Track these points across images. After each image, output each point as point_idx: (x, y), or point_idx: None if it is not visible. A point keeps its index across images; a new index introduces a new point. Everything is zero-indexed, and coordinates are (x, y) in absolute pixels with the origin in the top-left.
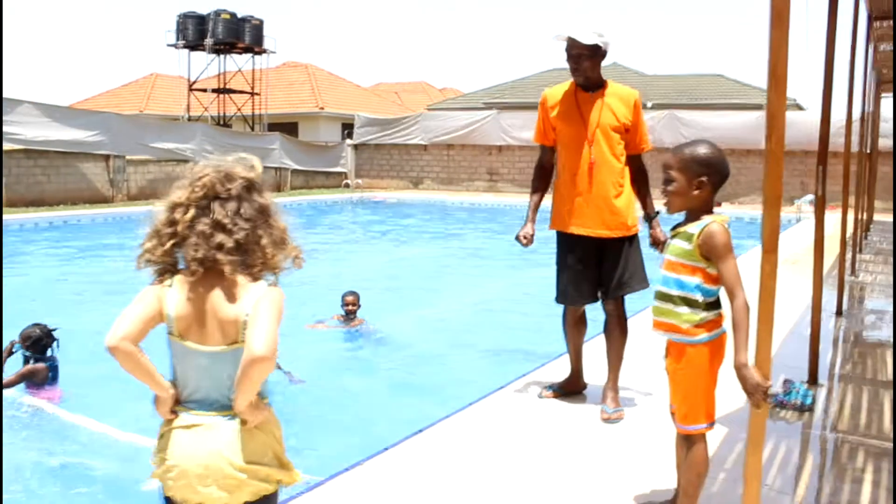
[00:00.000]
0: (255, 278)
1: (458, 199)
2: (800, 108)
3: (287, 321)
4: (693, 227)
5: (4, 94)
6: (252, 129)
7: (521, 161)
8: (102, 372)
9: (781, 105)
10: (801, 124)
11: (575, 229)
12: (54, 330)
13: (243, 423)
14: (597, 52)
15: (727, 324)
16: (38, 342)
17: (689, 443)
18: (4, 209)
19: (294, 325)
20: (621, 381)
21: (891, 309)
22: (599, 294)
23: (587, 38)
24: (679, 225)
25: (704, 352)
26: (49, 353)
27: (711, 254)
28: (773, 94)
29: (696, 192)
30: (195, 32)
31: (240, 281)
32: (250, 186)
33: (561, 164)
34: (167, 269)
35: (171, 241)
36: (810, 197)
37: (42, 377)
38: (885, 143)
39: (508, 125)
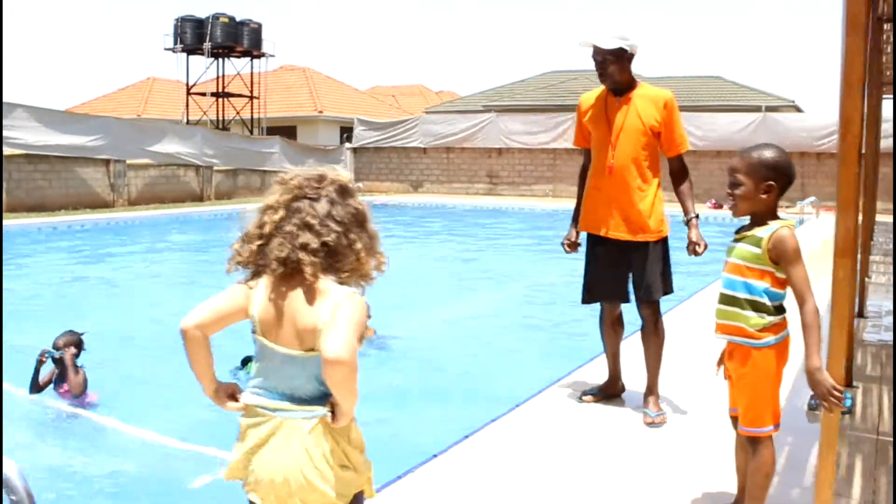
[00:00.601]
0: (342, 283)
1: (459, 202)
2: (798, 109)
3: None
4: (762, 232)
5: (4, 99)
6: (251, 132)
7: (520, 164)
8: (122, 374)
9: (856, 110)
10: (797, 126)
11: (598, 231)
12: (83, 334)
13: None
14: (622, 56)
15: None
16: (80, 348)
17: (755, 445)
18: (5, 215)
19: None
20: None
21: None
22: (634, 298)
23: (610, 44)
24: (743, 228)
25: (771, 355)
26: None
27: (781, 258)
28: (847, 100)
29: (763, 196)
30: (193, 36)
31: (322, 287)
32: (343, 190)
33: (591, 166)
34: (257, 271)
35: (259, 243)
36: (812, 199)
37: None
38: (885, 143)
39: (508, 128)
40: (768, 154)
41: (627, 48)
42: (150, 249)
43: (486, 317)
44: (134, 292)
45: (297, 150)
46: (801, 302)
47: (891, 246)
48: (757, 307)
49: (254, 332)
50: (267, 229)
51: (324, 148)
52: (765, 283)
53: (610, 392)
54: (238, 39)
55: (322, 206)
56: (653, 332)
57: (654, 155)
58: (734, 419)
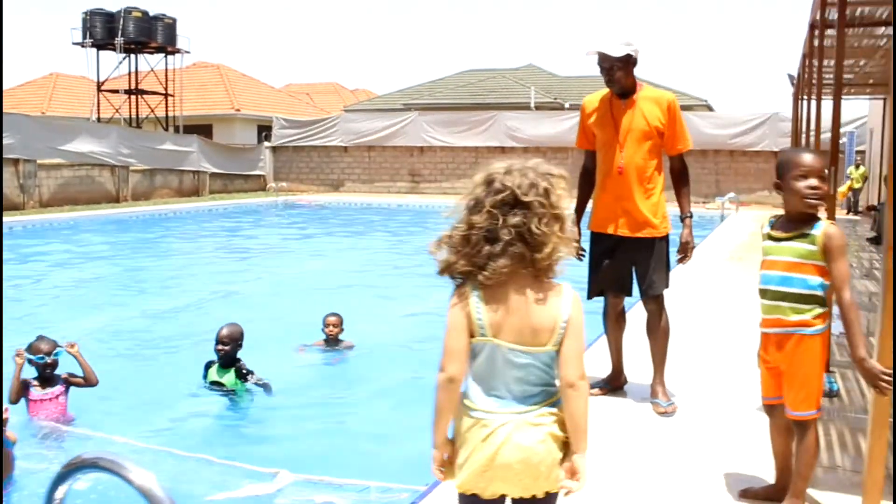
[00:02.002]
0: (549, 279)
1: (382, 201)
2: (709, 108)
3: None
4: (814, 230)
5: None
6: (166, 131)
7: (441, 162)
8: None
9: None
10: (711, 125)
11: (604, 229)
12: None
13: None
14: (628, 62)
15: None
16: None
17: (803, 428)
18: None
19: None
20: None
21: None
22: (639, 293)
23: (618, 51)
24: (779, 227)
25: (818, 342)
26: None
27: (829, 253)
28: None
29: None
30: (104, 31)
31: (544, 286)
32: (549, 193)
33: (597, 168)
34: (470, 275)
35: (472, 247)
36: (731, 195)
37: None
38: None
39: (429, 126)
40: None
41: (633, 54)
42: (69, 253)
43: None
44: (54, 299)
45: (215, 149)
46: (841, 294)
47: None
48: (812, 300)
49: (479, 336)
50: (478, 232)
51: (242, 147)
52: (820, 277)
53: (615, 384)
54: (152, 35)
55: (534, 212)
56: (658, 326)
57: (659, 155)
58: (769, 407)
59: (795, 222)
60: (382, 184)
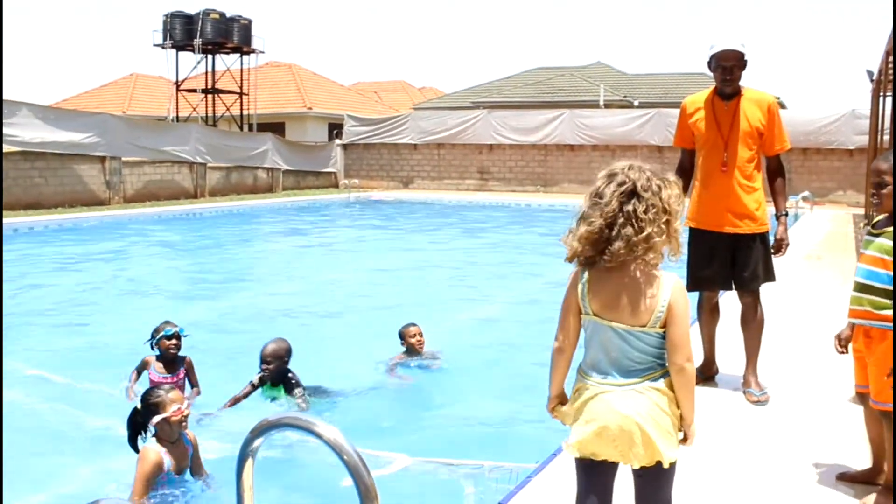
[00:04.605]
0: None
1: (452, 198)
2: (783, 106)
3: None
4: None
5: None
6: (241, 129)
7: (510, 160)
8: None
9: None
10: (784, 123)
11: (706, 225)
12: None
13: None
14: (744, 63)
15: None
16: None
17: (889, 418)
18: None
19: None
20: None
21: None
22: (734, 286)
23: (741, 50)
24: (879, 224)
25: None
26: None
27: None
28: None
29: None
30: (183, 32)
31: (648, 273)
32: (661, 189)
33: (698, 165)
34: (589, 261)
35: (595, 234)
36: (805, 193)
37: None
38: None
39: (499, 124)
40: None
41: (747, 56)
42: (162, 244)
43: (531, 310)
44: (134, 291)
45: (288, 147)
46: None
47: None
48: (892, 295)
49: (586, 313)
50: (599, 220)
51: (314, 144)
52: None
53: (707, 374)
54: (228, 35)
55: (649, 204)
56: (753, 318)
57: (759, 154)
58: (861, 395)
59: (889, 220)
60: (451, 181)
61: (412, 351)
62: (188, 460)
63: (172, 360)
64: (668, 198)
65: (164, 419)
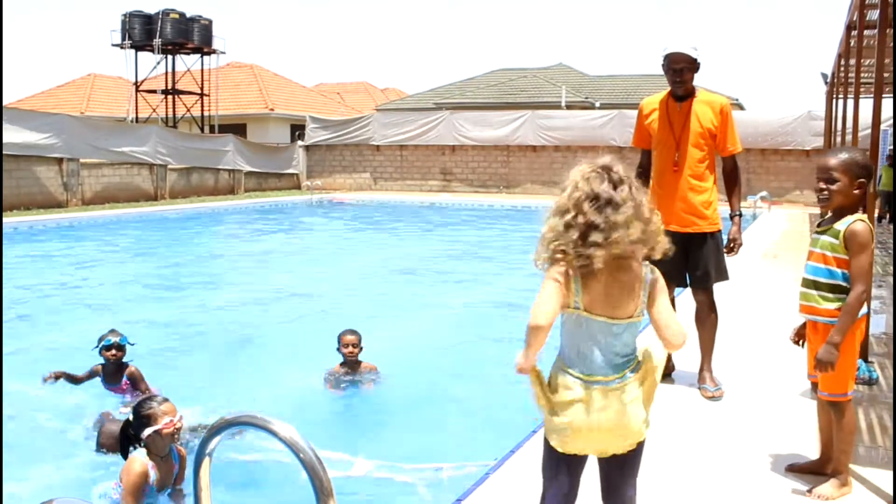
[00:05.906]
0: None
1: (415, 199)
2: (741, 107)
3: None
4: (840, 224)
5: None
6: (202, 130)
7: (473, 161)
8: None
9: None
10: (742, 124)
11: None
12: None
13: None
14: (696, 66)
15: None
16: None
17: (837, 409)
18: None
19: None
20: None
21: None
22: (688, 283)
23: (692, 54)
24: (824, 222)
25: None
26: None
27: (850, 247)
28: None
29: (855, 192)
30: (142, 32)
31: (631, 268)
32: (633, 186)
33: (653, 165)
34: (569, 259)
35: (567, 240)
36: (763, 193)
37: None
38: None
39: (461, 125)
40: (860, 156)
41: (698, 60)
42: (120, 247)
43: (489, 314)
44: (90, 297)
45: (250, 148)
46: (853, 287)
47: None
48: (837, 290)
49: (574, 308)
50: (581, 224)
51: (276, 145)
52: (843, 269)
53: (663, 371)
54: (188, 36)
55: (623, 204)
56: (707, 316)
57: (712, 155)
58: (814, 383)
59: (835, 217)
60: (414, 182)
61: (346, 362)
62: (172, 478)
63: (115, 370)
64: (637, 193)
65: (156, 431)
